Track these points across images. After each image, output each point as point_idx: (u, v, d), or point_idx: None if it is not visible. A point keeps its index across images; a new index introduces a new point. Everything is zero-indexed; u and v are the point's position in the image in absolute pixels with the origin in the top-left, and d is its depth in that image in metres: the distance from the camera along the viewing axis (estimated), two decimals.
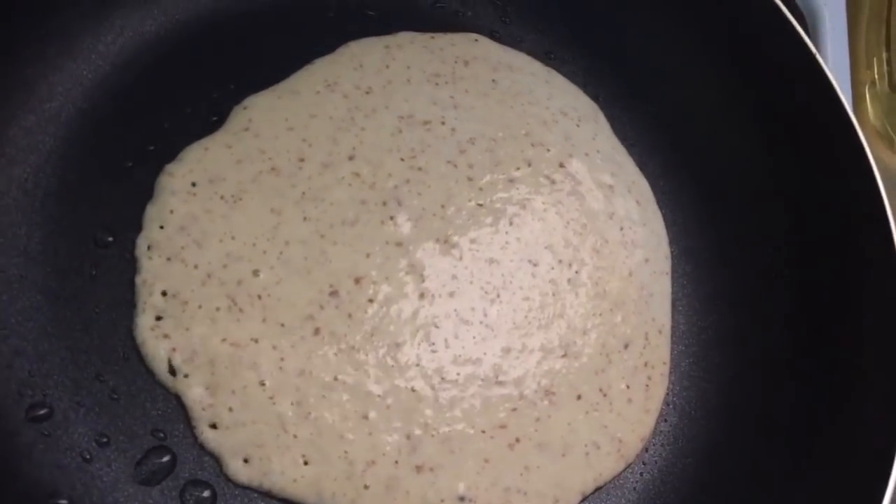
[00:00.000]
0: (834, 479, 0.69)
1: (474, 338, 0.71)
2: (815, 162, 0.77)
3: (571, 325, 0.74)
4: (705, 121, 0.83)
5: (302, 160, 0.73)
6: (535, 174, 0.78)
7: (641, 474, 0.75)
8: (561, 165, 0.79)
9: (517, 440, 0.70)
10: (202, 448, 0.66)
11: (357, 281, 0.70)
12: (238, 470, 0.65)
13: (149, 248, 0.69)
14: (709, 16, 0.81)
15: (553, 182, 0.78)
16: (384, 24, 0.83)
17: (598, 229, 0.78)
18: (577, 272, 0.75)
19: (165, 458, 0.65)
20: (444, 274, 0.72)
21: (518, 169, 0.78)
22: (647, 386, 0.75)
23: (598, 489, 0.73)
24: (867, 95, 0.91)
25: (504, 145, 0.78)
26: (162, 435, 0.66)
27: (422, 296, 0.71)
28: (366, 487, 0.66)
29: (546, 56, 0.86)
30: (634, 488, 0.74)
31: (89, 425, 0.64)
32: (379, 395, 0.68)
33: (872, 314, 0.72)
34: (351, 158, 0.74)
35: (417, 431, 0.68)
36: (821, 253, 0.77)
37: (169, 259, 0.69)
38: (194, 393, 0.66)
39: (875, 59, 0.91)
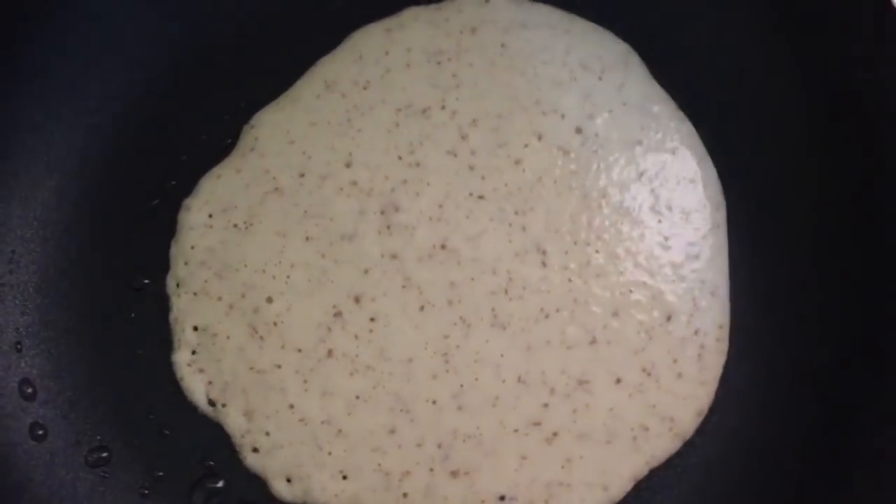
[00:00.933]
0: None
1: (488, 341, 0.69)
2: (878, 107, 0.67)
3: (595, 310, 0.69)
4: (757, 53, 0.74)
5: (302, 175, 0.73)
6: (547, 147, 0.73)
7: (703, 448, 0.70)
8: (578, 131, 0.73)
9: (554, 434, 0.68)
10: (249, 471, 0.69)
11: (357, 300, 0.69)
12: (283, 489, 0.68)
13: (177, 285, 0.72)
14: None
15: (567, 153, 0.72)
16: (393, 3, 0.79)
17: (620, 198, 0.72)
18: (596, 252, 0.70)
19: (218, 484, 0.69)
20: (441, 282, 0.70)
21: (526, 146, 0.73)
22: (700, 356, 0.70)
23: (653, 470, 0.69)
24: None
25: (511, 120, 0.73)
26: (211, 463, 0.70)
27: (422, 308, 0.69)
28: (405, 496, 0.67)
29: (571, 1, 0.79)
30: (696, 464, 0.70)
31: (144, 462, 0.69)
32: (402, 410, 0.68)
33: None
34: (348, 165, 0.72)
35: (447, 439, 0.67)
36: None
37: (195, 294, 0.71)
38: (233, 421, 0.69)
39: None
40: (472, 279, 0.70)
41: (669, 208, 0.72)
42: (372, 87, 0.74)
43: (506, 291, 0.70)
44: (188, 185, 0.75)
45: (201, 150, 0.75)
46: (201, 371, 0.70)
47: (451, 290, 0.70)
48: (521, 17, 0.77)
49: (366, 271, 0.70)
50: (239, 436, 0.69)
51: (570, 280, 0.70)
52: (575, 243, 0.70)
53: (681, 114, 0.75)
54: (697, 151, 0.74)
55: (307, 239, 0.71)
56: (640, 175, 0.72)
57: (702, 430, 0.70)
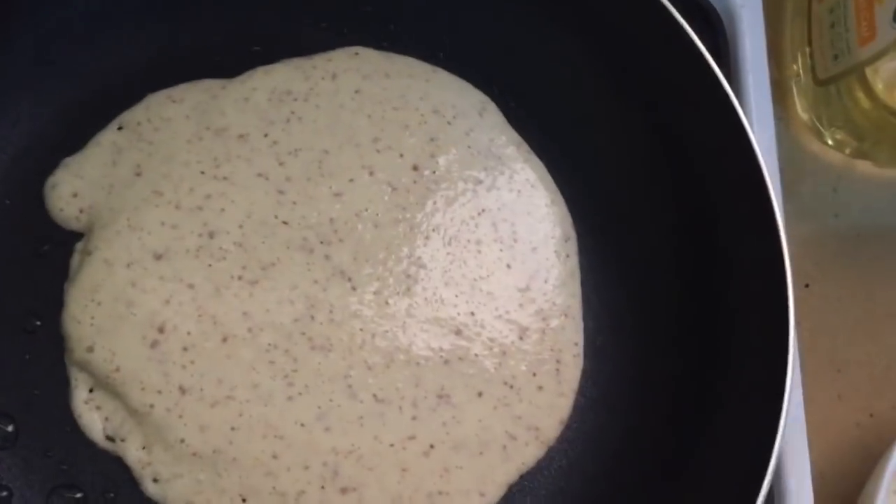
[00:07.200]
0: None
1: (320, 363, 0.73)
2: (707, 164, 0.78)
3: (432, 330, 0.76)
4: (599, 119, 0.84)
5: (112, 186, 0.77)
6: (376, 183, 0.79)
7: (566, 452, 0.79)
8: (414, 168, 0.80)
9: (431, 447, 0.75)
10: (150, 501, 0.73)
11: (161, 330, 0.73)
12: None
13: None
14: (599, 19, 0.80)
15: (395, 189, 0.79)
16: (269, 58, 0.83)
17: (455, 231, 0.79)
18: (422, 279, 0.77)
19: None
20: (234, 313, 0.73)
21: (352, 180, 0.78)
22: (558, 370, 0.79)
23: (522, 474, 0.78)
24: (794, 89, 0.91)
25: (339, 154, 0.78)
26: (112, 495, 0.73)
27: (224, 340, 0.73)
28: None
29: (436, 57, 0.86)
30: (560, 466, 0.79)
31: (43, 500, 0.72)
32: (276, 436, 0.73)
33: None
34: (138, 175, 0.76)
35: (330, 458, 0.73)
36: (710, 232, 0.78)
37: None
38: (132, 455, 0.73)
39: (799, 53, 0.90)
40: (268, 310, 0.74)
41: (514, 241, 0.80)
42: (184, 103, 0.78)
43: (312, 318, 0.74)
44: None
45: None
46: (98, 408, 0.74)
47: (245, 319, 0.74)
48: (385, 67, 0.84)
49: (167, 301, 0.74)
50: (139, 468, 0.73)
51: (387, 303, 0.76)
52: (391, 272, 0.76)
53: (533, 157, 0.84)
54: (546, 190, 0.83)
55: (128, 265, 0.74)
56: (482, 211, 0.80)
57: (563, 437, 0.79)
